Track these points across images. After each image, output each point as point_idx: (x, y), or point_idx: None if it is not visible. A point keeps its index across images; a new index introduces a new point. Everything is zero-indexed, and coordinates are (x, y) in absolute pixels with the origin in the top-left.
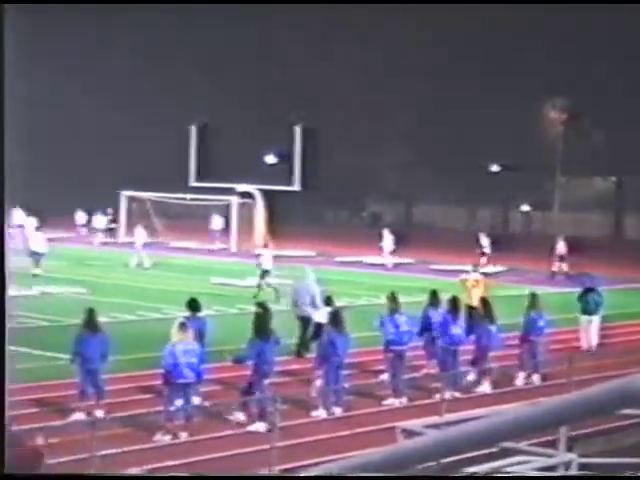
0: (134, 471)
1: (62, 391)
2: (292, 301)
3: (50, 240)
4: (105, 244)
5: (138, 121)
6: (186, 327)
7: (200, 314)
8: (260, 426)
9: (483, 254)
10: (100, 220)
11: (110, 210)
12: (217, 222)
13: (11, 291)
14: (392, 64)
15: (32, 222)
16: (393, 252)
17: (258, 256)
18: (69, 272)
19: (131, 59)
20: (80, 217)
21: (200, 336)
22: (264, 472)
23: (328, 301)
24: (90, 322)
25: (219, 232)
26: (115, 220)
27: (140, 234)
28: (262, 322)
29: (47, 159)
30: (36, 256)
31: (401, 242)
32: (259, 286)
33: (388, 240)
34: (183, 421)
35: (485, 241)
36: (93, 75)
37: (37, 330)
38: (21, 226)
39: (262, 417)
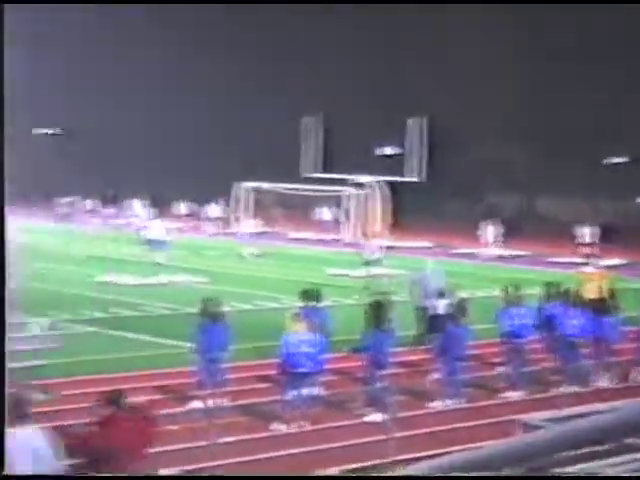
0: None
1: (182, 379)
2: (411, 292)
3: (170, 230)
4: (217, 234)
5: (258, 112)
6: (300, 317)
7: (318, 304)
8: (377, 417)
9: (586, 245)
10: (214, 209)
11: (222, 200)
12: (327, 213)
13: (133, 279)
14: (516, 57)
15: (148, 212)
16: (498, 243)
17: (369, 247)
18: (188, 261)
19: (244, 56)
20: (199, 208)
21: (318, 326)
22: (380, 462)
23: (446, 293)
24: (210, 311)
25: (330, 223)
26: (230, 209)
27: (248, 224)
28: (379, 312)
29: (172, 151)
30: (157, 244)
31: (517, 234)
32: (370, 276)
33: (493, 231)
34: (300, 410)
35: (590, 233)
36: (216, 66)
37: (158, 318)
38: (137, 216)
39: (379, 408)
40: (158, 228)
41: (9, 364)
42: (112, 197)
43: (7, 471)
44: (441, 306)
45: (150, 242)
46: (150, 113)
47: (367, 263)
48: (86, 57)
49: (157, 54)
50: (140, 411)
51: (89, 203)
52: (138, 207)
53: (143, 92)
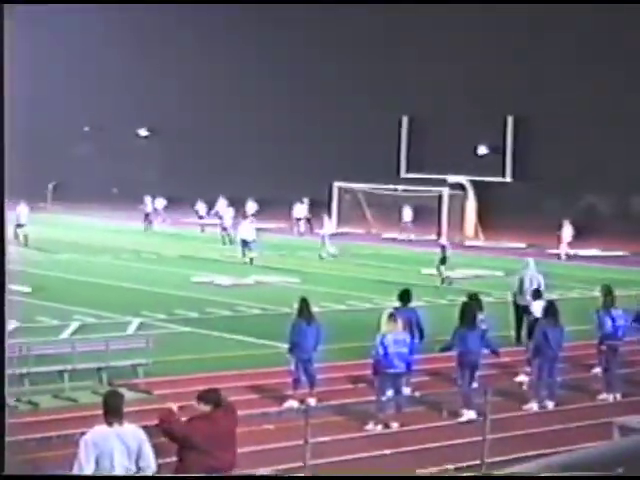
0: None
1: (276, 379)
2: (513, 291)
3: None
4: (305, 234)
5: (349, 113)
6: (395, 317)
7: (411, 305)
8: (471, 417)
9: None
10: (300, 209)
11: (306, 200)
12: (407, 213)
13: (225, 280)
14: (611, 57)
15: (233, 212)
16: (572, 243)
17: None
18: (280, 261)
19: (340, 56)
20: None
21: (412, 326)
22: (474, 463)
23: (539, 293)
24: (304, 311)
25: (409, 223)
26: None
27: (327, 224)
28: (469, 311)
29: (266, 153)
30: (245, 244)
31: (613, 233)
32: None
33: (568, 231)
34: (394, 411)
35: None
36: (313, 67)
37: (251, 318)
38: (220, 216)
39: (472, 408)
40: (247, 228)
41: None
42: (200, 199)
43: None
44: (536, 307)
45: (240, 242)
46: (234, 113)
47: (442, 259)
48: (166, 57)
49: (251, 53)
50: (233, 409)
51: (181, 204)
52: (223, 207)
53: (228, 92)
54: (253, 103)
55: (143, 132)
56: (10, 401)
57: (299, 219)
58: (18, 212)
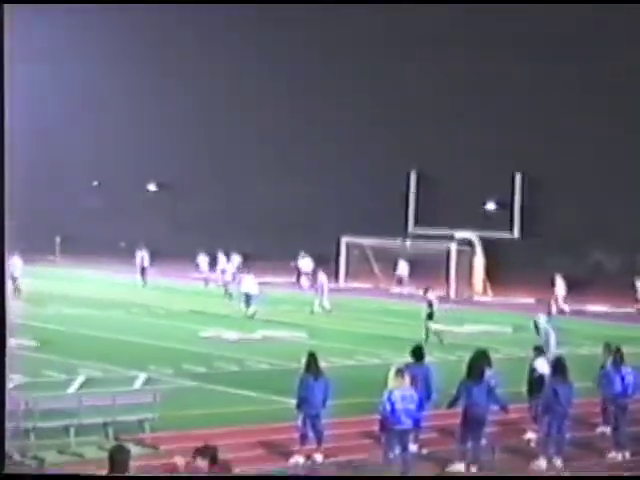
0: None
1: (284, 434)
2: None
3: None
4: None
5: (358, 167)
6: (402, 373)
7: (421, 361)
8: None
9: None
10: (305, 263)
11: (303, 253)
12: (402, 267)
13: (233, 335)
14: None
15: (234, 266)
16: (565, 299)
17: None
18: (286, 316)
19: (355, 108)
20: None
21: (422, 383)
22: None
23: (540, 350)
24: (312, 366)
25: (404, 277)
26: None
27: (323, 278)
28: (475, 365)
29: (273, 207)
30: (248, 298)
31: (624, 290)
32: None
33: (561, 286)
34: (401, 468)
35: None
36: (314, 123)
37: (259, 373)
38: (223, 271)
39: (478, 463)
40: (249, 282)
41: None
42: (205, 253)
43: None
44: (539, 364)
45: (243, 296)
46: (238, 164)
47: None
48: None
49: (265, 105)
50: (228, 467)
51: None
52: (223, 261)
53: (232, 153)
54: (257, 153)
55: (152, 187)
56: (16, 456)
57: (306, 273)
58: (12, 264)
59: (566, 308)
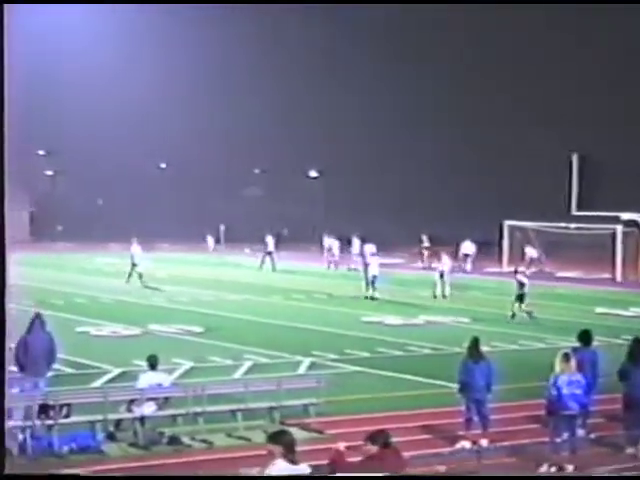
0: None
1: (448, 419)
2: None
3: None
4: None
5: (521, 151)
6: (569, 358)
7: (589, 345)
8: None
9: None
10: (469, 247)
11: (425, 236)
12: (530, 251)
13: (395, 320)
14: None
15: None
16: None
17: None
18: (448, 301)
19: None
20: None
21: (589, 367)
22: None
23: None
24: (473, 350)
25: (538, 259)
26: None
27: (445, 260)
28: (637, 349)
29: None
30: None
31: None
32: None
33: None
34: (568, 453)
35: None
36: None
37: (422, 358)
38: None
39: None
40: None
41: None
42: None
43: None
44: None
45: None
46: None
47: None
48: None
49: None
50: (398, 451)
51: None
52: (357, 245)
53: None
54: (422, 141)
55: (313, 173)
56: (185, 439)
57: (467, 255)
58: (132, 252)
59: None
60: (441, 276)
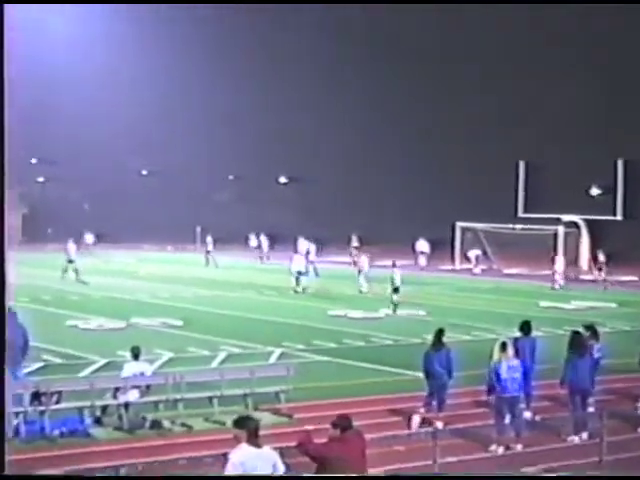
0: None
1: (408, 403)
2: None
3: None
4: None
5: (472, 161)
6: (506, 346)
7: (529, 334)
8: (584, 440)
9: None
10: (422, 245)
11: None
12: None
13: (356, 313)
14: None
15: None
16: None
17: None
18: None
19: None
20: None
21: (528, 354)
22: None
23: None
24: (437, 340)
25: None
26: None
27: (364, 260)
28: (579, 340)
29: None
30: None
31: None
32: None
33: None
34: (514, 434)
35: None
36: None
37: (384, 348)
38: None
39: (586, 431)
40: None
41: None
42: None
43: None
44: None
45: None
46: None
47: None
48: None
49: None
50: (361, 433)
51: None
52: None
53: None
54: (386, 146)
55: (283, 179)
56: (166, 423)
57: (422, 252)
58: (68, 249)
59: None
60: (359, 273)
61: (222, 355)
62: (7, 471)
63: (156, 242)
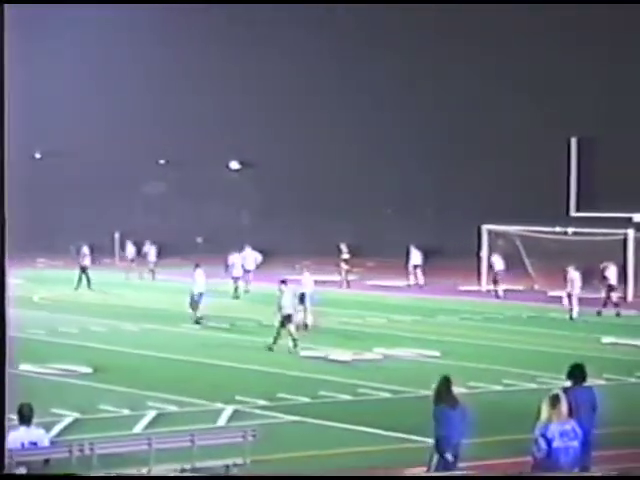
0: None
1: None
2: None
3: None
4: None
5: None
6: (559, 401)
7: (585, 384)
8: None
9: None
10: (416, 256)
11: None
12: (498, 261)
13: (341, 354)
14: None
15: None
16: None
17: None
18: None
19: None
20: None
21: (584, 411)
22: None
23: None
24: (444, 394)
25: (501, 271)
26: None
27: (307, 279)
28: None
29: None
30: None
31: None
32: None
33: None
34: None
35: None
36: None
37: (379, 403)
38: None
39: None
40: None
41: None
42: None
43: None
44: None
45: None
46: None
47: None
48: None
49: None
50: None
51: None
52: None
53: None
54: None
55: (234, 165)
56: None
57: (416, 266)
58: None
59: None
60: (302, 297)
61: (150, 415)
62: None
63: (56, 254)
